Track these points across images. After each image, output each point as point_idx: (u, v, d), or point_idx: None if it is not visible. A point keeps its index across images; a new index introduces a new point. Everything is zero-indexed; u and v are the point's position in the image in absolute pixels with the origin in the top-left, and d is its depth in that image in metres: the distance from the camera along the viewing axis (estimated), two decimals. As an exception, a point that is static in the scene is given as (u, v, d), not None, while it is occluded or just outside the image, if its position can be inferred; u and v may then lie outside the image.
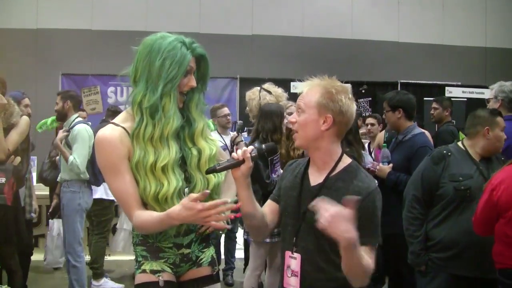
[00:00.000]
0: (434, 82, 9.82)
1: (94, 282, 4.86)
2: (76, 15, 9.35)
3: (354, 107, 1.83)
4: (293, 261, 1.82)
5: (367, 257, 1.67)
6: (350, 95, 1.82)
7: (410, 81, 9.64)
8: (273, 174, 3.54)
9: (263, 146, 1.79)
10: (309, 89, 1.82)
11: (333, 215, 1.47)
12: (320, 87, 1.80)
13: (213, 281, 2.02)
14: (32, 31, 9.25)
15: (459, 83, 9.81)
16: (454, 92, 9.47)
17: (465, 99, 9.29)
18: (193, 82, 1.85)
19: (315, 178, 1.85)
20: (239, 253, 5.46)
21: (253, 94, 4.35)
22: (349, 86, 1.90)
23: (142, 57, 1.80)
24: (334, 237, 1.51)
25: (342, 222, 1.48)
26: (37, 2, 9.35)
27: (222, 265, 5.12)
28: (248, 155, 1.71)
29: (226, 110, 5.12)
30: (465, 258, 2.72)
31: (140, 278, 1.91)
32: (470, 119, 2.97)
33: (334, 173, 1.81)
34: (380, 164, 3.51)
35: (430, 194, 2.84)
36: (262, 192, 3.51)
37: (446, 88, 9.61)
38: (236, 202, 1.76)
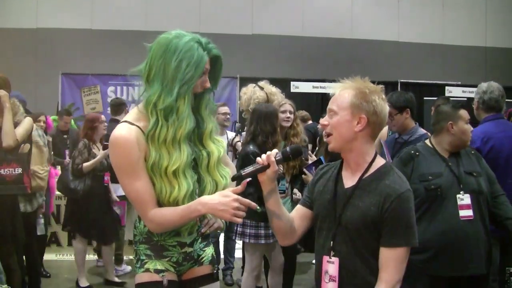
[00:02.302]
0: (434, 81, 9.82)
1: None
2: (76, 14, 9.36)
3: (387, 108, 1.81)
4: (331, 265, 1.79)
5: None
6: (383, 96, 1.81)
7: (410, 81, 9.64)
8: None
9: (288, 149, 1.77)
10: (341, 91, 1.80)
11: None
12: (352, 88, 1.78)
13: (213, 280, 2.01)
14: (32, 30, 9.25)
15: (459, 83, 9.81)
16: (454, 92, 9.46)
17: (465, 99, 9.29)
18: (208, 83, 1.84)
19: (348, 180, 1.82)
20: (238, 253, 5.45)
21: (247, 90, 4.38)
22: (381, 87, 1.89)
23: (157, 56, 1.76)
24: None
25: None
26: (37, 2, 9.36)
27: (221, 265, 5.12)
28: (273, 159, 1.70)
29: (226, 109, 5.15)
30: (443, 258, 2.67)
31: (143, 277, 1.89)
32: (434, 115, 2.92)
33: (367, 174, 1.79)
34: None
35: None
36: (258, 195, 3.45)
37: (446, 87, 9.60)
38: (262, 211, 1.83)
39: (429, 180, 2.70)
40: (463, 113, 2.84)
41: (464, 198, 2.69)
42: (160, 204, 1.78)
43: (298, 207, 1.97)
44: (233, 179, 1.81)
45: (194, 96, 1.85)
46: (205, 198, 1.72)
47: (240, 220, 1.69)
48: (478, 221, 2.71)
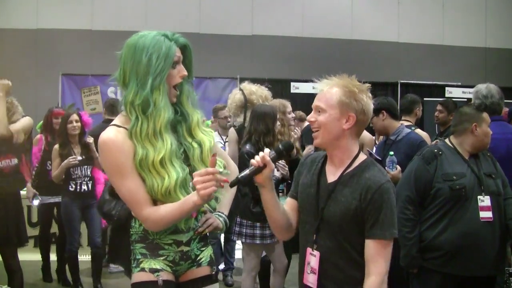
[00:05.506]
0: (434, 82, 9.82)
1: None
2: (76, 15, 9.35)
3: (372, 106, 1.85)
4: (313, 258, 1.82)
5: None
6: (370, 94, 1.85)
7: (410, 81, 9.65)
8: None
9: (280, 145, 1.78)
10: (330, 88, 1.82)
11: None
12: (341, 86, 1.80)
13: (212, 281, 2.02)
14: (32, 31, 9.24)
15: (459, 83, 9.81)
16: (454, 93, 9.46)
17: (465, 100, 9.29)
18: (184, 71, 1.88)
19: (331, 175, 1.85)
20: (239, 253, 5.45)
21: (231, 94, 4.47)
22: (368, 85, 1.92)
23: (128, 58, 1.83)
24: None
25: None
26: (37, 2, 9.35)
27: (221, 266, 5.12)
28: (268, 158, 1.71)
29: (227, 112, 5.14)
30: (461, 258, 2.71)
31: (138, 277, 1.90)
32: (456, 116, 2.97)
33: (349, 170, 1.82)
34: (391, 172, 3.33)
35: (423, 194, 2.81)
36: (252, 196, 3.43)
37: (446, 88, 9.60)
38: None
39: (453, 180, 2.74)
40: (486, 116, 2.92)
41: (485, 200, 2.74)
42: (154, 202, 1.80)
43: (288, 200, 2.00)
44: (231, 185, 1.79)
45: (177, 91, 1.89)
46: None
47: (211, 190, 1.68)
48: (496, 222, 2.75)
